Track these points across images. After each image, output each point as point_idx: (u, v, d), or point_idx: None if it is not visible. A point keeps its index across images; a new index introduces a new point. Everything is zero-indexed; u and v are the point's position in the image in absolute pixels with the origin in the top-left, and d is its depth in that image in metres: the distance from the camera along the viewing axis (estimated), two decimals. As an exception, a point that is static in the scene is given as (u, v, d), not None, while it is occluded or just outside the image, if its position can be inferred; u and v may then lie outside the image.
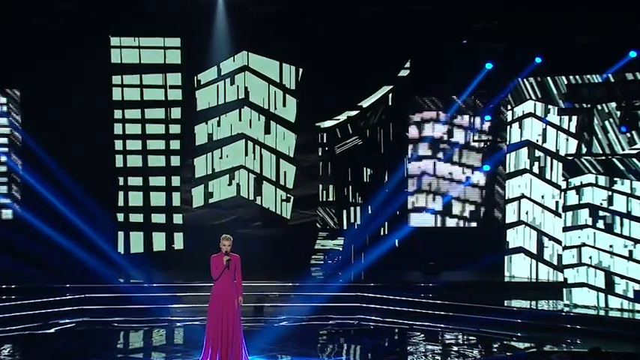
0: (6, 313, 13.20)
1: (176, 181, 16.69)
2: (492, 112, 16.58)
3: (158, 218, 16.64)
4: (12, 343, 12.04)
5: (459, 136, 17.06)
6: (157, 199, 16.65)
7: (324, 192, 16.95)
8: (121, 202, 16.55)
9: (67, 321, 13.46)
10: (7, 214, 16.12)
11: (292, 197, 16.86)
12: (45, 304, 13.70)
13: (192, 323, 13.38)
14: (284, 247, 16.28)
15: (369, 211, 16.59)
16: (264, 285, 14.76)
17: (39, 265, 14.70)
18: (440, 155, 17.06)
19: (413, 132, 17.10)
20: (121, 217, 16.52)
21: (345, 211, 16.93)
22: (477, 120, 16.74)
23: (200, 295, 14.00)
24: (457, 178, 17.08)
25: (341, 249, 16.68)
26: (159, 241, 16.59)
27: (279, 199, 16.85)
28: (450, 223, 17.17)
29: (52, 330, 13.01)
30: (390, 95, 16.85)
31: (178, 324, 13.51)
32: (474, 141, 16.96)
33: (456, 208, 17.16)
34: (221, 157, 16.79)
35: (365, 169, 16.94)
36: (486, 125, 16.78)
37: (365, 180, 16.93)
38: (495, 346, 12.29)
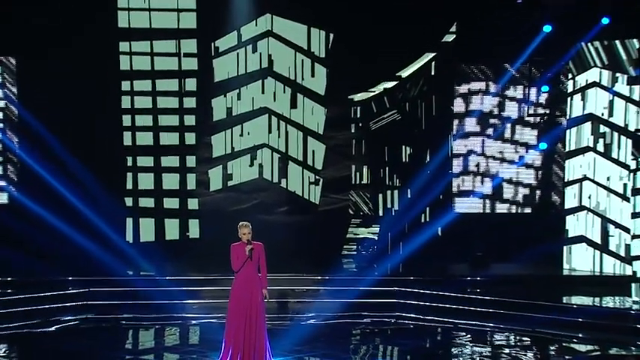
0: (1, 309, 13.26)
1: (191, 161, 16.69)
2: (550, 82, 16.50)
3: (171, 203, 16.66)
4: (8, 342, 12.11)
5: (511, 110, 16.96)
6: (170, 181, 16.66)
7: (358, 173, 16.91)
8: (129, 185, 16.58)
9: (69, 318, 13.56)
10: (2, 197, 16.21)
11: (321, 179, 16.82)
12: (45, 299, 13.78)
13: (210, 321, 13.43)
14: (312, 235, 16.26)
15: (409, 196, 16.56)
16: (290, 278, 14.79)
17: (38, 255, 14.79)
18: (489, 132, 16.97)
19: (459, 105, 17.00)
20: (129, 201, 16.55)
21: (381, 196, 16.90)
22: (533, 91, 16.64)
23: (218, 289, 14.09)
24: (509, 157, 17.01)
25: (376, 238, 16.68)
26: (172, 229, 16.62)
27: (306, 181, 16.81)
28: (501, 208, 17.11)
29: (53, 328, 13.09)
30: (433, 63, 16.73)
31: (194, 322, 13.56)
32: (529, 115, 16.87)
33: (508, 191, 17.08)
34: (241, 135, 16.76)
35: (404, 147, 16.87)
36: (543, 97, 16.66)
37: (404, 160, 16.89)
38: (553, 348, 12.18)
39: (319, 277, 15.11)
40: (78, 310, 13.86)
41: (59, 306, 13.77)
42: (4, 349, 11.67)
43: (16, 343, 12.14)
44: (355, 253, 16.58)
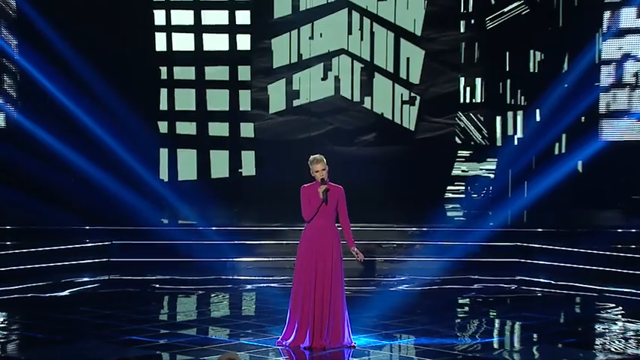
0: (0, 268, 13.55)
1: (244, 73, 16.71)
2: None
3: (218, 129, 16.73)
4: (9, 310, 12.37)
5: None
6: (217, 100, 16.71)
7: (468, 89, 16.82)
8: (163, 105, 16.67)
9: (86, 280, 13.82)
10: (-1, 120, 16.47)
11: (418, 97, 16.67)
12: (55, 255, 14.04)
13: (270, 286, 13.55)
14: (405, 173, 16.28)
15: (538, 119, 16.46)
16: (376, 230, 14.87)
17: (45, 197, 14.96)
18: (655, 28, 16.55)
19: (611, -9, 16.64)
20: (163, 127, 16.65)
21: (499, 119, 16.81)
22: None
23: (281, 243, 14.18)
24: (682, 63, 16.60)
25: (492, 176, 16.62)
26: (219, 164, 16.70)
27: (398, 100, 16.70)
28: (667, 135, 16.75)
29: (66, 292, 13.34)
30: None
31: (248, 286, 13.73)
32: None
33: (678, 112, 16.71)
34: (311, 37, 16.71)
35: (532, 52, 16.63)
36: None
37: (532, 70, 16.69)
38: None
39: (414, 229, 15.22)
40: (97, 269, 14.11)
41: (73, 264, 14.02)
42: (3, 318, 11.92)
43: (19, 310, 12.40)
44: (463, 196, 16.54)
